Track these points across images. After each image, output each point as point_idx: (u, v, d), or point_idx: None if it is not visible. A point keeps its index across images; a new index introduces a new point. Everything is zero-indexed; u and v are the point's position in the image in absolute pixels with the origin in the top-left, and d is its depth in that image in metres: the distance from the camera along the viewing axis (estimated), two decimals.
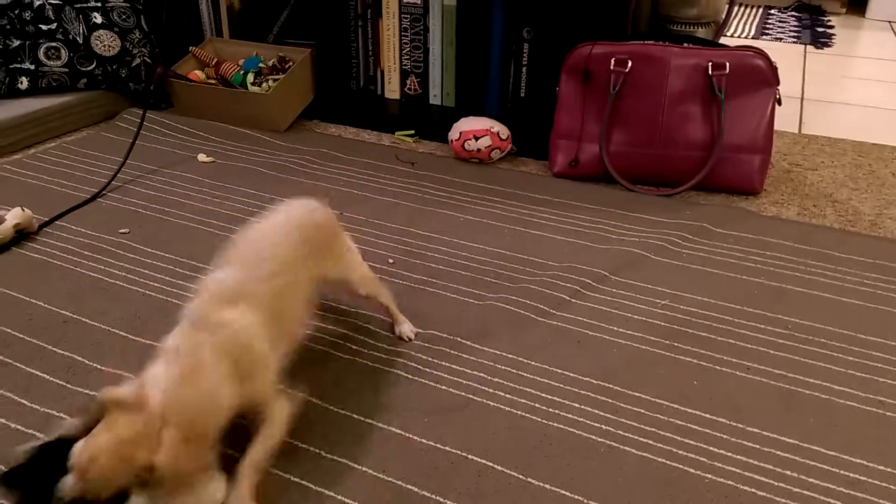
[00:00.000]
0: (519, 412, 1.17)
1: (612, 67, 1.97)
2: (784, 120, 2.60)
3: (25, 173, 2.06)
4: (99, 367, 1.27)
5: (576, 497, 1.01)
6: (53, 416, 1.14)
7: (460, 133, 2.17)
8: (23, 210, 1.68)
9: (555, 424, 1.14)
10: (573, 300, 1.49)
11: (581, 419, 1.15)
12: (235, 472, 0.95)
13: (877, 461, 1.08)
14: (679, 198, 1.97)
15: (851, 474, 1.06)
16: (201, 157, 2.20)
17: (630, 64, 1.96)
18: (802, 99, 2.88)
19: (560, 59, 2.06)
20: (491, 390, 1.22)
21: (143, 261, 1.62)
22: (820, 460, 1.08)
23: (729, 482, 1.04)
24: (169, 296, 1.49)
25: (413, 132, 2.39)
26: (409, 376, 1.25)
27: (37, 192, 1.94)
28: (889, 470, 1.07)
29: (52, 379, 1.23)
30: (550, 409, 1.17)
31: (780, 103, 1.95)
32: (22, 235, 1.68)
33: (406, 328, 1.36)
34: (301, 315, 1.12)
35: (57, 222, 1.78)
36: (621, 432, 1.13)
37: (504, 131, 2.17)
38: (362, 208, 1.89)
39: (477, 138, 2.14)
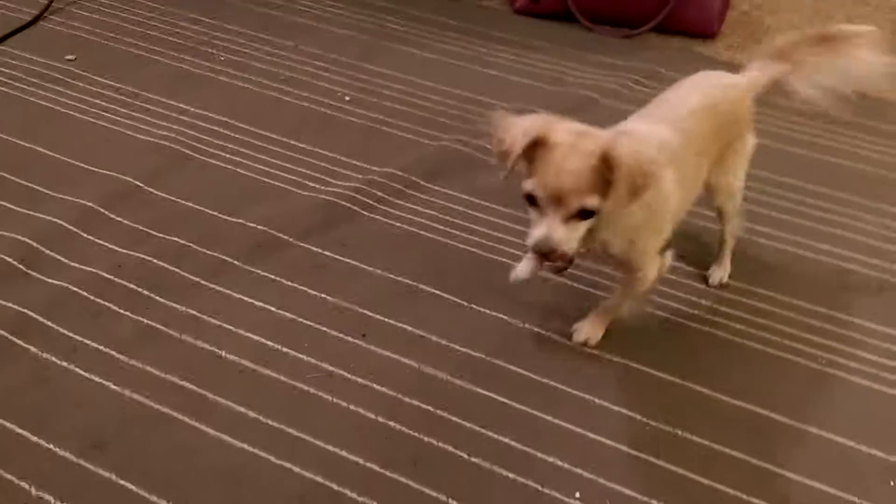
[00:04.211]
0: (469, 248, 1.26)
1: None
2: None
3: None
4: (60, 196, 1.30)
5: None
6: (17, 241, 1.18)
7: None
8: None
9: (501, 259, 1.24)
10: None
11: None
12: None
13: None
14: (637, 40, 1.97)
15: None
16: None
17: None
18: None
19: None
20: (442, 227, 1.29)
21: (91, 90, 1.59)
22: None
23: None
24: (122, 127, 1.49)
25: None
26: (364, 213, 1.32)
27: None
28: None
29: (14, 208, 1.26)
30: (498, 246, 1.26)
31: None
32: None
33: (716, 276, 1.21)
34: (694, 193, 1.06)
35: None
36: None
37: None
38: (315, 40, 1.84)
39: None
